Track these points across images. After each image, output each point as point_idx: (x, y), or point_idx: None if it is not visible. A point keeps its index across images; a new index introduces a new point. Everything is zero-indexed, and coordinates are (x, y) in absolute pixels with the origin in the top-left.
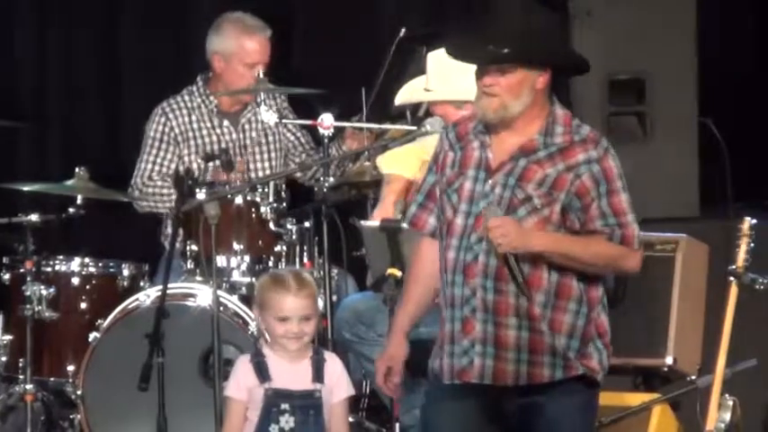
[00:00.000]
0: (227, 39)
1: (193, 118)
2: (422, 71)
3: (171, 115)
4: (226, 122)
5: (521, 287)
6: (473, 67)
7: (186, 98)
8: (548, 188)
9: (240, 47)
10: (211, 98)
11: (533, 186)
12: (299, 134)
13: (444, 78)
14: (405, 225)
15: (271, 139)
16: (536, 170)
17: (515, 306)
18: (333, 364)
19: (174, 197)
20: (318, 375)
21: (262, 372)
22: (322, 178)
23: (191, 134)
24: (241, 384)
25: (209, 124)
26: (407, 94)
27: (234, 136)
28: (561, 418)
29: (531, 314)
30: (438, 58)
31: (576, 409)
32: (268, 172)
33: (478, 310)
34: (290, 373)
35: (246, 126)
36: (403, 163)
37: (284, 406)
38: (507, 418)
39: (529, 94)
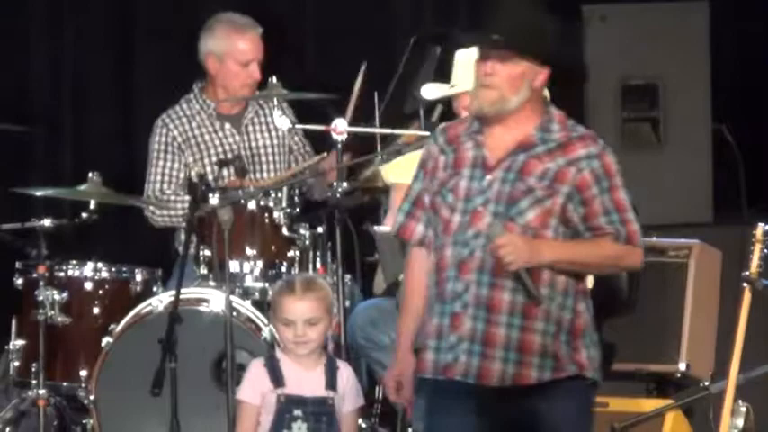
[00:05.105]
0: (220, 39)
1: (194, 125)
2: (435, 71)
3: (171, 125)
4: (227, 125)
5: (535, 298)
6: None
7: (184, 106)
8: (549, 181)
9: (233, 45)
10: (209, 102)
11: (535, 180)
12: (299, 134)
13: (466, 72)
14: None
15: (276, 142)
16: (536, 164)
17: (510, 302)
18: (345, 372)
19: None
20: (332, 383)
21: (276, 376)
22: (335, 183)
23: (193, 141)
24: (255, 388)
25: (210, 128)
26: (434, 88)
27: (237, 138)
28: (553, 422)
29: (527, 312)
30: (463, 56)
31: (568, 411)
32: (273, 174)
33: (470, 305)
34: (304, 379)
35: (250, 127)
36: (409, 171)
37: (297, 412)
38: (493, 420)
39: (527, 90)
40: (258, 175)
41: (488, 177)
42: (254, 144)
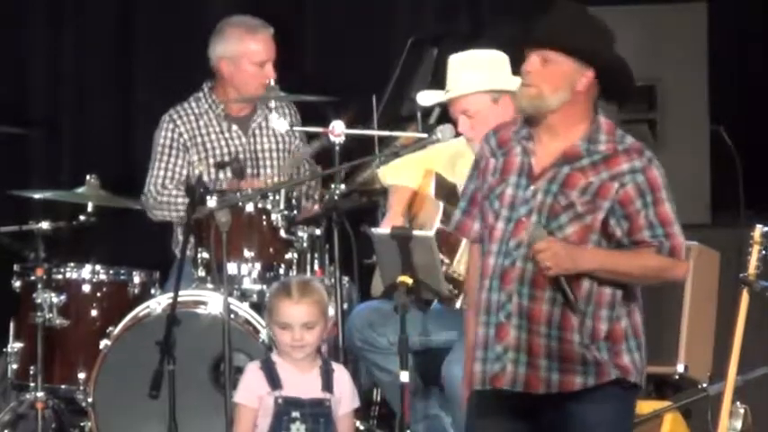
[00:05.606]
0: (232, 42)
1: (201, 123)
2: (432, 72)
3: (179, 122)
4: (234, 127)
5: (573, 306)
6: (486, 63)
7: (193, 104)
8: (591, 196)
9: (246, 47)
10: (218, 102)
11: (577, 194)
12: (300, 137)
13: (460, 77)
14: (421, 233)
15: (281, 147)
16: (579, 177)
17: (548, 313)
18: (341, 374)
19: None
20: (328, 385)
21: (273, 379)
22: (332, 186)
23: (199, 139)
24: (252, 391)
25: (217, 129)
26: (430, 94)
27: (243, 140)
28: (596, 426)
29: (563, 324)
30: (457, 61)
31: (612, 415)
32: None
33: (513, 315)
34: (301, 381)
35: (257, 131)
36: (406, 173)
37: (295, 414)
38: (541, 427)
39: (567, 90)
40: (262, 179)
41: (532, 187)
42: (258, 147)
